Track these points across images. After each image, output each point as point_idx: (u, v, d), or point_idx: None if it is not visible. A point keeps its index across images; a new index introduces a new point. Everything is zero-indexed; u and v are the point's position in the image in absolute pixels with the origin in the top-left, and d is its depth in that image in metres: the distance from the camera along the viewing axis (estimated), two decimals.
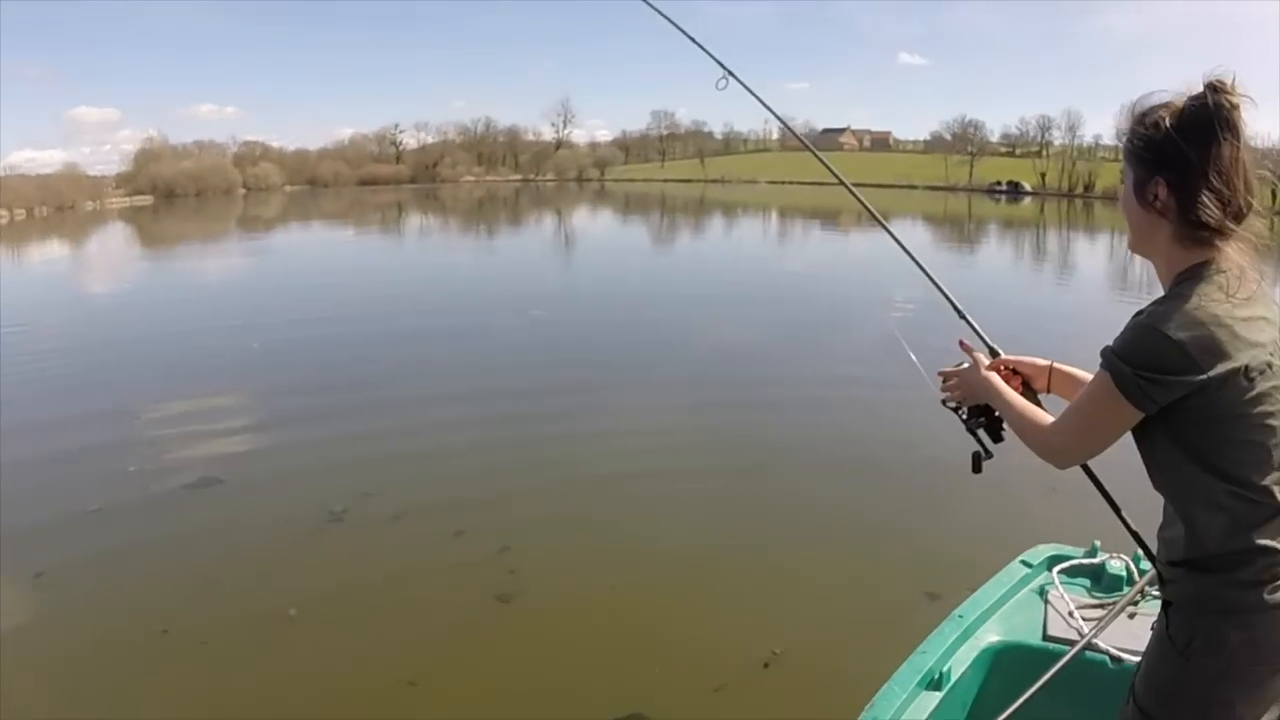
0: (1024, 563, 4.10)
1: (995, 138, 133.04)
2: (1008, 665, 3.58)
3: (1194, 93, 2.22)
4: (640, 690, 5.46)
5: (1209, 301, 2.14)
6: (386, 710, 5.41)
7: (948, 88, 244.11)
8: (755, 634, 6.02)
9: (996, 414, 2.84)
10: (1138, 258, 2.45)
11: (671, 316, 19.67)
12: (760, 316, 19.78)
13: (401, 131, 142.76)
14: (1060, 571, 3.97)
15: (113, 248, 46.86)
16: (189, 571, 7.10)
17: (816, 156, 4.45)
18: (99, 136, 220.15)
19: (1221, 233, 2.21)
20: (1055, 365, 2.89)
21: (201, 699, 5.53)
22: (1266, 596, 2.20)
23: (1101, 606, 3.70)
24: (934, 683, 3.39)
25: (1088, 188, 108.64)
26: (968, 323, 3.28)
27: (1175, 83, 2.29)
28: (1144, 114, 2.30)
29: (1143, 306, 2.22)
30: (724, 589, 6.83)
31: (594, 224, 62.13)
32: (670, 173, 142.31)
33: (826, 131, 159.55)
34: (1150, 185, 2.28)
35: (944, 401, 2.96)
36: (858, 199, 3.93)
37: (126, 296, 24.95)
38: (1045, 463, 2.51)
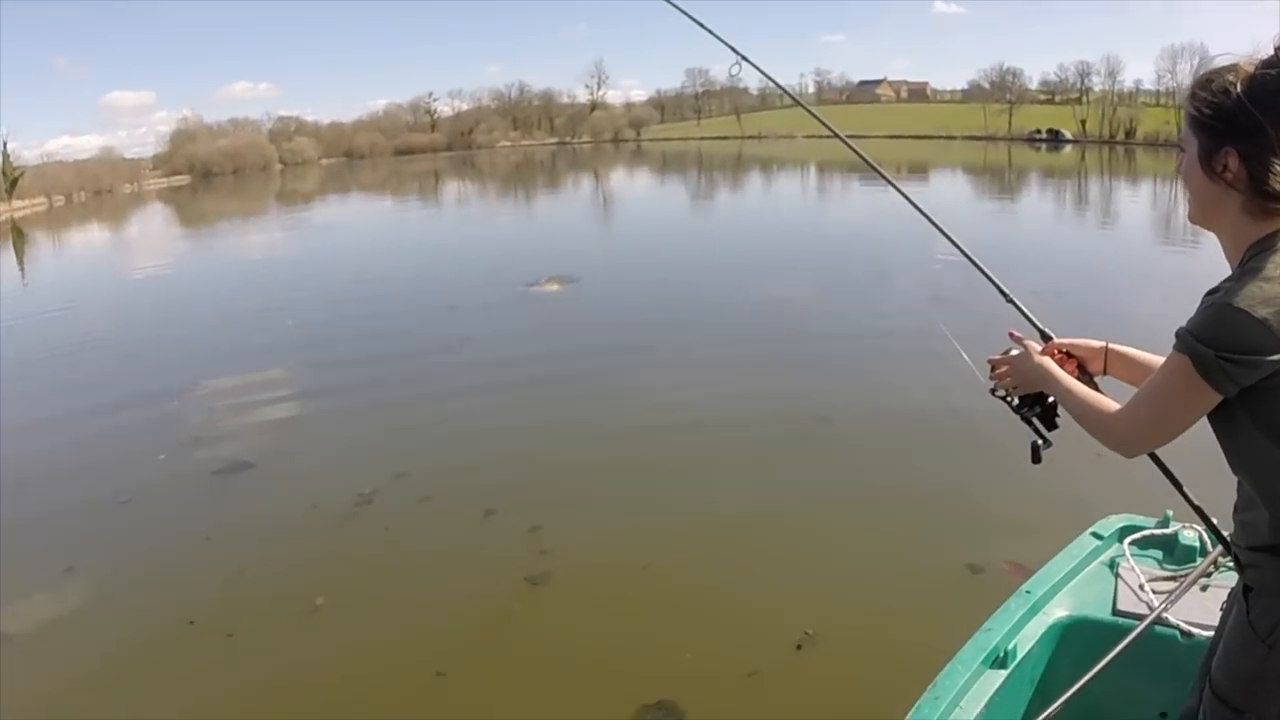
0: (1095, 534, 3.99)
1: (1034, 85, 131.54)
2: (1076, 641, 3.49)
3: (1263, 57, 2.09)
4: (672, 676, 5.34)
5: None
6: (415, 701, 5.30)
7: (985, 36, 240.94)
8: (790, 614, 5.87)
9: (1050, 400, 2.74)
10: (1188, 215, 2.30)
11: (709, 278, 19.32)
12: (801, 275, 19.48)
13: (436, 99, 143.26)
14: (1131, 543, 3.87)
15: (150, 229, 47.37)
16: (217, 562, 7.03)
17: (826, 124, 4.26)
18: (135, 120, 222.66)
19: None
20: (1111, 346, 2.76)
21: (228, 692, 5.46)
22: None
23: (1173, 579, 3.59)
24: (999, 660, 3.30)
25: (1129, 134, 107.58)
26: (1016, 306, 3.11)
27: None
28: (1209, 79, 2.18)
29: (1216, 284, 2.10)
30: (761, 564, 6.68)
31: (632, 185, 62.01)
32: (706, 130, 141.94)
33: (863, 84, 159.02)
34: (1219, 155, 2.14)
35: (992, 391, 2.83)
36: (898, 188, 3.78)
37: (163, 279, 25.08)
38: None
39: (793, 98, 4.91)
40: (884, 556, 6.72)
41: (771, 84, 4.41)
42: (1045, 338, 2.91)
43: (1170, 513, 3.87)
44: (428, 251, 25.87)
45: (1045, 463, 2.73)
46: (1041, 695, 3.34)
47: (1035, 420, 2.78)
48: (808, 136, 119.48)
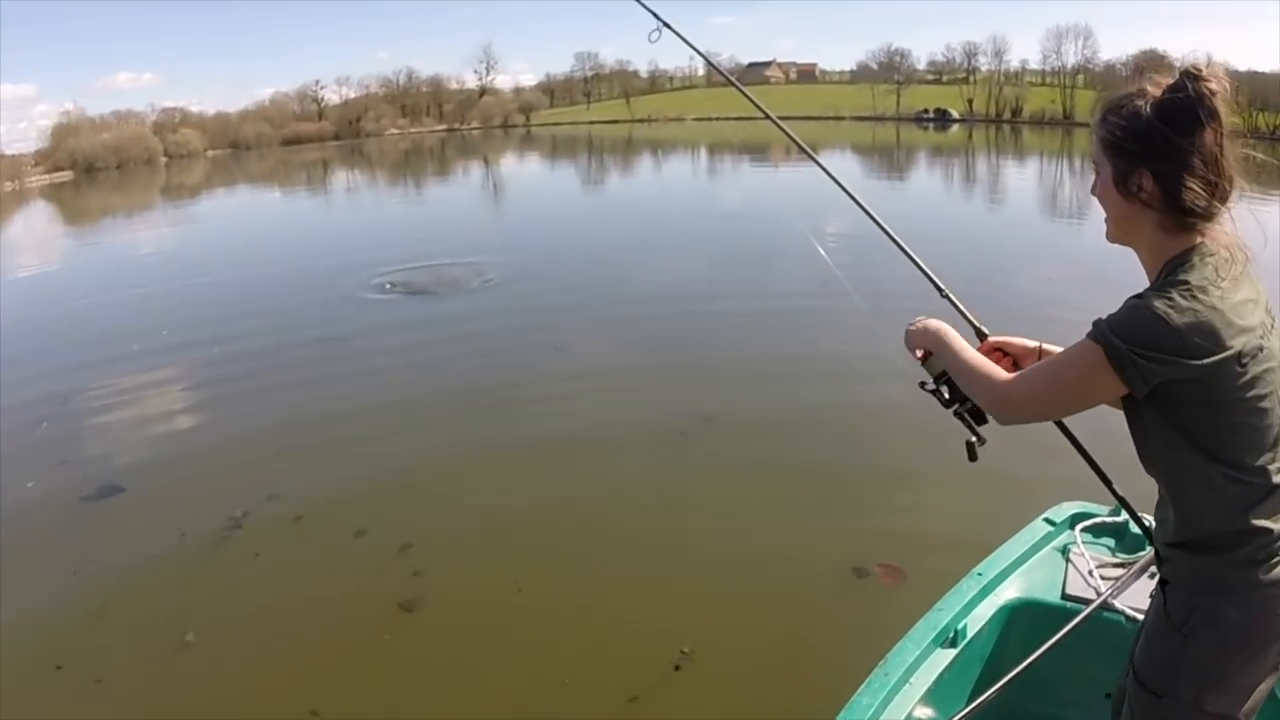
0: (1047, 520, 4.09)
1: (922, 66, 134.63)
2: (1025, 623, 3.59)
3: (1170, 82, 2.22)
4: (550, 704, 5.17)
5: (1205, 287, 2.12)
6: None
7: (874, 17, 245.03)
8: (667, 631, 5.68)
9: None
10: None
11: (596, 268, 19.12)
12: (692, 260, 19.41)
13: (323, 87, 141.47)
14: (1083, 530, 3.97)
15: (28, 229, 45.53)
16: (85, 600, 6.53)
17: (757, 104, 4.17)
18: (15, 114, 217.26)
19: (1209, 217, 2.22)
20: (1044, 346, 2.80)
21: None
22: (1262, 575, 2.23)
23: (1122, 566, 3.70)
24: (949, 640, 3.43)
25: (1015, 112, 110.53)
26: (950, 302, 3.17)
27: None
28: (1120, 104, 2.30)
29: (1139, 291, 2.20)
30: (636, 580, 6.48)
31: (522, 170, 61.80)
32: (596, 114, 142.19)
33: (752, 65, 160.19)
34: (1134, 176, 2.26)
35: (922, 384, 2.81)
36: (827, 172, 3.82)
37: (36, 281, 23.90)
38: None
39: (723, 74, 4.81)
40: (761, 564, 6.52)
41: (693, 49, 4.45)
42: (980, 335, 2.97)
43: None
44: (309, 247, 25.04)
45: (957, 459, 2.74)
46: (990, 674, 3.38)
47: (967, 416, 2.75)
48: (696, 119, 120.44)
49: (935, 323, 2.70)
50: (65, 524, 7.85)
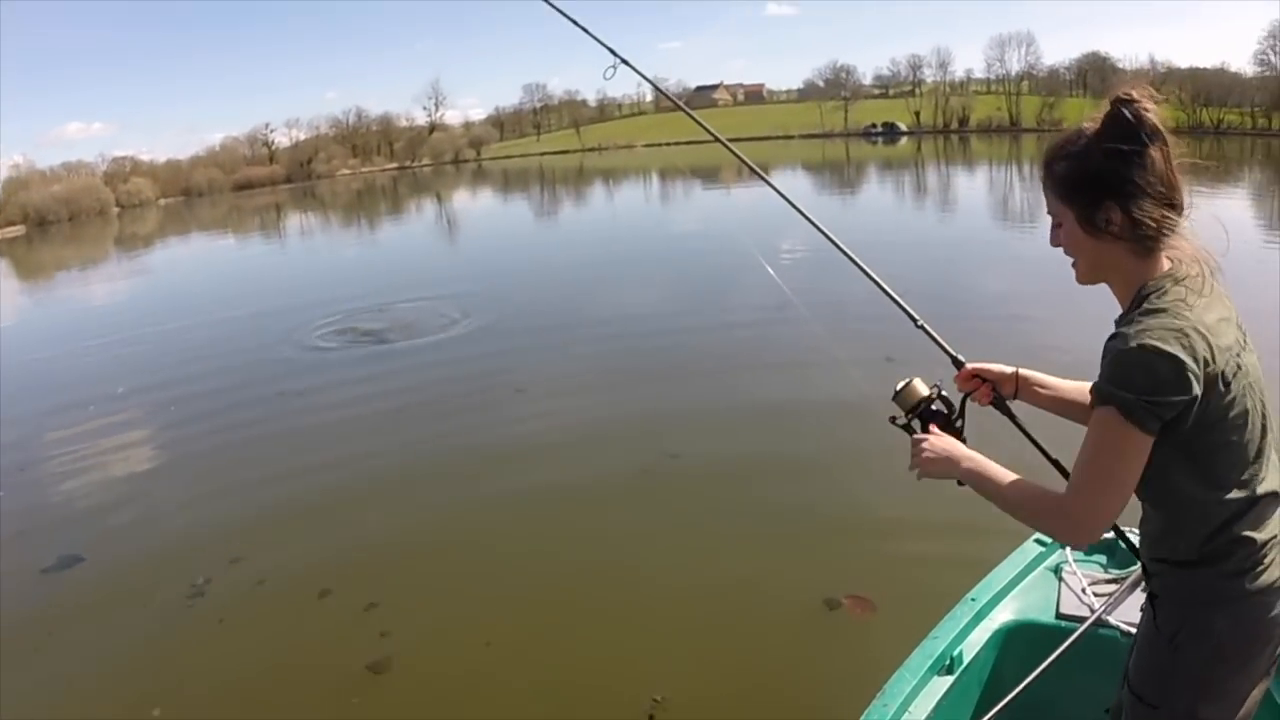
0: (1038, 541, 4.07)
1: (868, 81, 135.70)
2: (1021, 646, 3.58)
3: (1103, 112, 2.25)
4: None
5: (1183, 311, 2.15)
6: None
7: (818, 35, 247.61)
8: (639, 681, 5.56)
9: (959, 423, 2.77)
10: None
11: (555, 300, 19.03)
12: (647, 289, 19.35)
13: (273, 130, 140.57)
14: (1074, 548, 3.93)
15: None
16: (47, 678, 6.35)
17: (710, 131, 4.11)
18: None
19: (1173, 233, 2.25)
20: (1021, 371, 2.85)
21: None
22: (1249, 585, 2.26)
23: (1115, 582, 3.70)
24: (946, 667, 3.43)
25: (962, 122, 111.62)
26: (927, 333, 3.11)
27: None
28: (1063, 150, 2.33)
29: (1116, 330, 2.21)
30: (604, 628, 6.35)
31: (475, 204, 61.64)
32: (547, 145, 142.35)
33: (700, 89, 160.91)
34: (1100, 212, 2.26)
35: (892, 419, 2.80)
36: (788, 200, 3.68)
37: None
38: None
39: (680, 107, 4.81)
40: (730, 603, 6.42)
41: (650, 84, 4.38)
42: (957, 364, 2.95)
43: None
44: (263, 294, 24.60)
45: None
46: (988, 698, 3.39)
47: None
48: (647, 145, 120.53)
49: (953, 449, 2.56)
50: (26, 598, 7.61)
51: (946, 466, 2.54)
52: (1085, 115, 2.32)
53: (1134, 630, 3.11)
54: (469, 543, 7.88)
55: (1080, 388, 2.67)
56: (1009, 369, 2.85)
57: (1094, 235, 2.29)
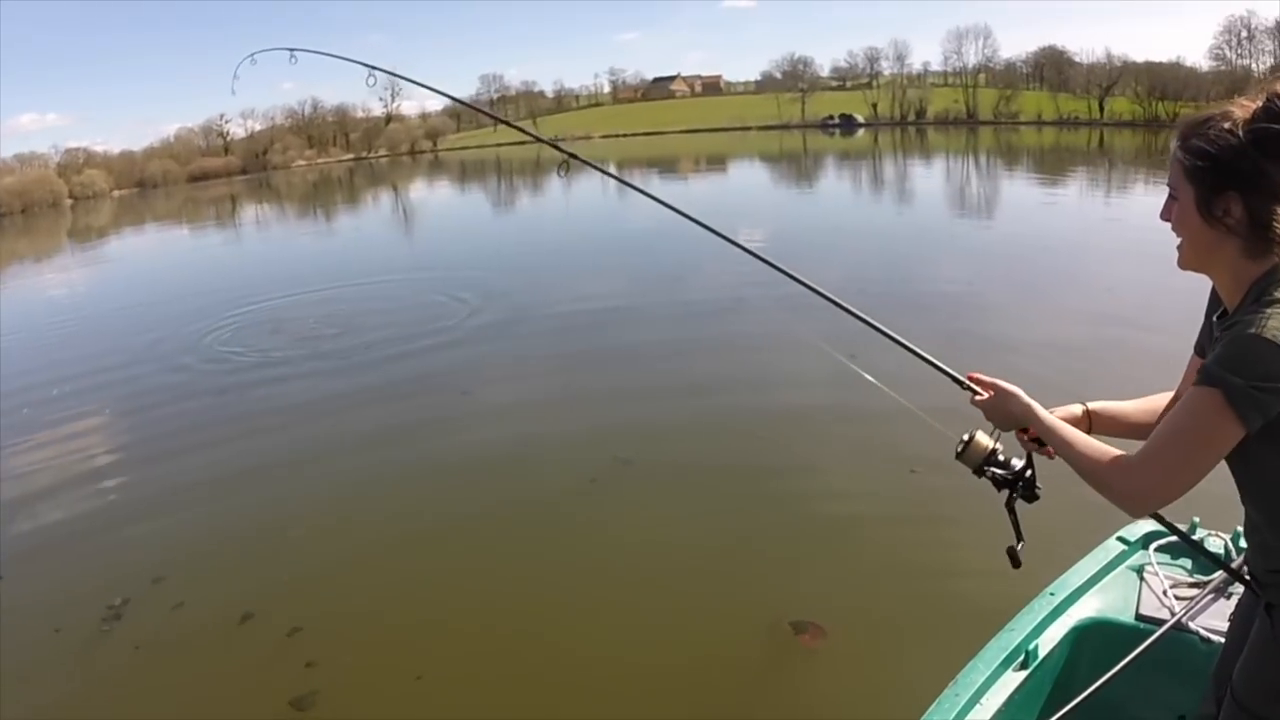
0: (1121, 539, 4.01)
1: (825, 73, 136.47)
2: (1097, 644, 3.51)
3: (1259, 106, 2.11)
4: None
5: None
6: None
7: (775, 27, 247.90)
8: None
9: (1030, 473, 2.65)
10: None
11: (512, 293, 18.29)
12: (602, 279, 19.08)
13: (228, 121, 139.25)
14: (1157, 549, 3.90)
15: None
16: None
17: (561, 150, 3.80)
18: None
19: None
20: (1091, 407, 2.70)
21: None
22: None
23: (1198, 586, 3.61)
24: (1020, 661, 3.37)
25: (919, 114, 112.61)
26: (931, 364, 2.85)
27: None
28: (1205, 127, 2.18)
29: (1235, 319, 2.14)
30: (548, 659, 5.94)
31: (430, 196, 61.08)
32: (503, 136, 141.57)
33: (658, 80, 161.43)
34: (1220, 201, 2.16)
35: (960, 454, 2.67)
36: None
37: None
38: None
39: (457, 100, 4.83)
40: (679, 631, 6.08)
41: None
42: (959, 383, 2.76)
43: (1197, 519, 3.85)
44: (208, 293, 23.94)
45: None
46: (1061, 696, 3.28)
47: (1012, 509, 2.65)
48: (604, 136, 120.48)
49: (1027, 401, 2.51)
50: None
51: (1010, 414, 2.54)
52: (1238, 100, 2.16)
53: (1215, 636, 3.19)
54: (401, 563, 7.41)
55: (1153, 408, 2.64)
56: (1077, 409, 2.70)
57: (1207, 222, 2.19)
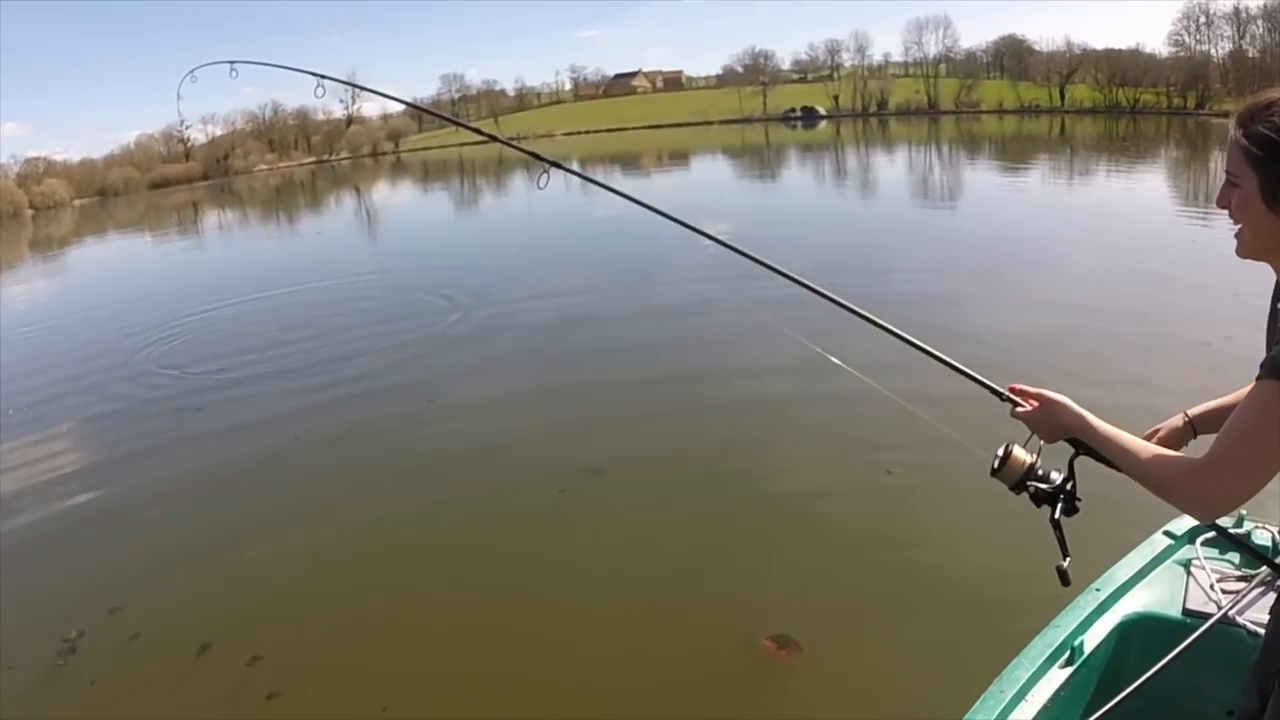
0: (1167, 533, 3.97)
1: (786, 66, 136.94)
2: (1144, 639, 3.48)
3: None
4: None
5: None
6: None
7: (736, 21, 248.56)
8: None
9: (1070, 485, 2.54)
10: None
11: (466, 294, 17.78)
12: (569, 276, 18.81)
13: (188, 127, 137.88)
14: (1203, 542, 3.85)
15: None
16: None
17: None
18: None
19: None
20: (1192, 413, 2.64)
21: None
22: None
23: (1245, 580, 3.56)
24: (1066, 656, 3.35)
25: (881, 105, 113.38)
26: (968, 375, 2.76)
27: None
28: (1267, 113, 2.10)
29: None
30: (515, 686, 5.70)
31: (392, 197, 60.80)
32: (465, 136, 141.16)
33: (619, 77, 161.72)
34: None
35: (996, 470, 2.57)
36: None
37: None
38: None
39: (393, 97, 4.50)
40: (649, 650, 5.90)
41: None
42: (998, 394, 2.66)
43: (1244, 512, 3.78)
44: (162, 297, 23.42)
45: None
46: (1107, 691, 3.20)
47: (1058, 525, 2.53)
48: (566, 134, 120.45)
49: (1077, 410, 2.42)
50: None
51: (1057, 426, 2.46)
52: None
53: (1263, 630, 2.99)
54: (362, 586, 7.16)
55: None
56: (1178, 420, 2.69)
57: (1272, 210, 2.11)
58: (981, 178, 35.96)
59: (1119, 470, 2.30)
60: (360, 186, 74.55)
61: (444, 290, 18.21)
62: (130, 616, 6.94)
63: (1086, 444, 2.41)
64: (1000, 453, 2.57)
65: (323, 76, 4.05)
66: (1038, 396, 2.52)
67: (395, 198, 60.49)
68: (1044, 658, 3.31)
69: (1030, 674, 3.23)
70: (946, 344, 2.67)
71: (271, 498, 9.20)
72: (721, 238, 3.31)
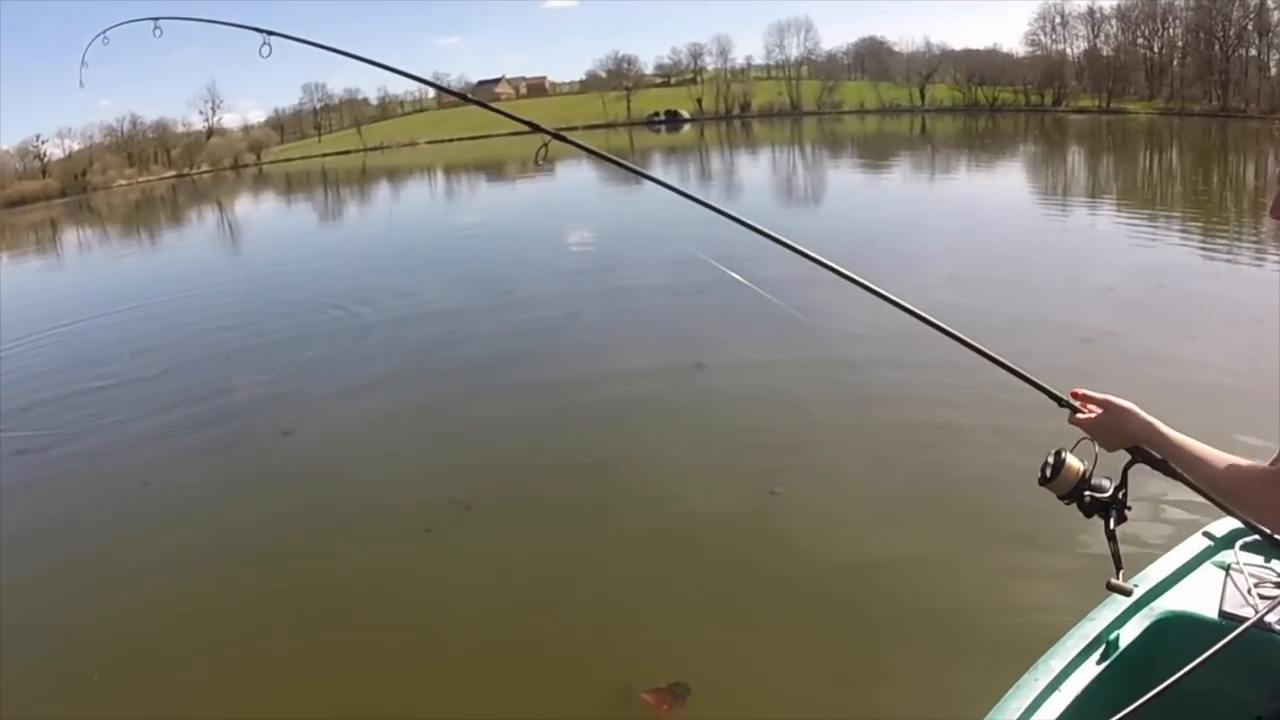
0: (1206, 535, 3.96)
1: (650, 70, 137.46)
2: (1178, 638, 3.46)
3: None
4: None
5: None
6: None
7: (598, 27, 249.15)
8: None
9: (1122, 493, 2.39)
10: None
11: (337, 319, 16.52)
12: (440, 289, 18.36)
13: (44, 141, 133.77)
14: (1243, 546, 3.81)
15: None
16: None
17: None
18: None
19: None
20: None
21: None
22: None
23: None
24: (1100, 651, 3.36)
25: (744, 107, 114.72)
26: (1023, 377, 2.54)
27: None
28: None
29: None
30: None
31: (256, 211, 59.49)
32: (328, 146, 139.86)
33: (482, 84, 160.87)
34: None
35: (1045, 479, 2.41)
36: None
37: None
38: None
39: (339, 52, 4.07)
40: (521, 701, 5.47)
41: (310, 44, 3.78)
42: (1061, 402, 2.49)
43: None
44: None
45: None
46: (1139, 688, 3.01)
47: (1113, 536, 2.39)
48: (430, 142, 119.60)
49: (1135, 413, 2.32)
50: None
51: (1123, 432, 2.33)
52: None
53: None
54: (193, 659, 6.26)
55: None
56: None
57: None
58: (844, 176, 36.38)
59: (1178, 479, 2.25)
60: (221, 200, 72.77)
61: (297, 307, 17.56)
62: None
63: (1147, 452, 2.32)
64: (1050, 460, 2.42)
65: (269, 32, 3.61)
66: (1103, 403, 2.38)
67: (257, 211, 59.13)
68: (1079, 650, 3.34)
69: (1064, 665, 3.28)
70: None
71: (87, 562, 7.87)
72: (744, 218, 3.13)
